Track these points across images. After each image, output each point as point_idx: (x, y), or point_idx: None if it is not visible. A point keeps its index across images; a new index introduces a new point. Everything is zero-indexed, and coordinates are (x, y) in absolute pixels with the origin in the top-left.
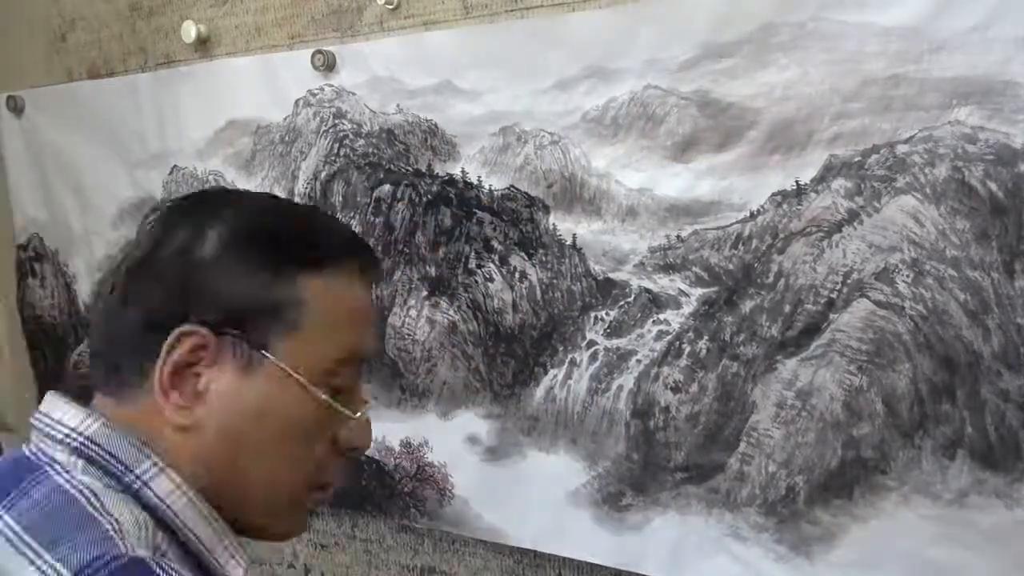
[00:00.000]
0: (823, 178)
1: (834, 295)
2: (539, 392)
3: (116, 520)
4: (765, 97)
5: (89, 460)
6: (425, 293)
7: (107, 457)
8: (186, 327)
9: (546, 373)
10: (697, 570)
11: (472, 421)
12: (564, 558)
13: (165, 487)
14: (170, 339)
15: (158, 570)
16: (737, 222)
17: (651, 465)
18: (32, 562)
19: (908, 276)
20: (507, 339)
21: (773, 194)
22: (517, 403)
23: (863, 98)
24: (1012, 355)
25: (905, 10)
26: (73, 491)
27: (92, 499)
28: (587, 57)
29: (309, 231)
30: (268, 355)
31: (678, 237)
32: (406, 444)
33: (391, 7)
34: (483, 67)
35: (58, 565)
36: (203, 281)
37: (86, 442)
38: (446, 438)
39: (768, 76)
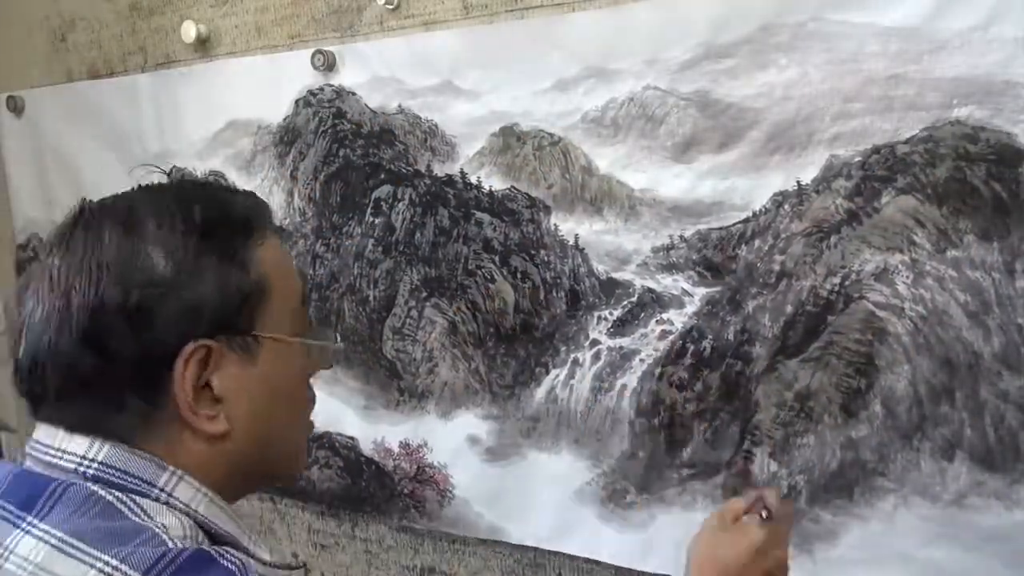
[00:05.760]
0: (824, 178)
1: (833, 296)
2: (540, 392)
3: (163, 524)
4: (765, 97)
5: (109, 484)
6: (425, 294)
7: (126, 477)
8: (187, 347)
9: (548, 373)
10: None
11: (472, 422)
12: (565, 559)
13: (187, 493)
14: (178, 366)
15: (221, 559)
16: (739, 222)
17: (656, 463)
18: (91, 565)
19: (908, 277)
20: (508, 339)
21: (774, 194)
22: (517, 404)
23: (863, 98)
24: (1012, 356)
25: (905, 10)
26: (111, 498)
27: (132, 506)
28: (587, 57)
29: (232, 207)
30: (260, 334)
31: (681, 237)
32: (405, 445)
33: (391, 7)
34: (483, 67)
35: (123, 566)
36: (176, 301)
37: (102, 467)
38: (446, 439)
39: (768, 76)
